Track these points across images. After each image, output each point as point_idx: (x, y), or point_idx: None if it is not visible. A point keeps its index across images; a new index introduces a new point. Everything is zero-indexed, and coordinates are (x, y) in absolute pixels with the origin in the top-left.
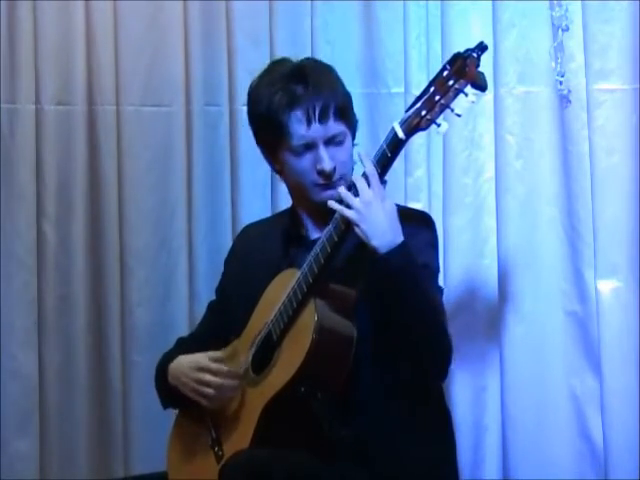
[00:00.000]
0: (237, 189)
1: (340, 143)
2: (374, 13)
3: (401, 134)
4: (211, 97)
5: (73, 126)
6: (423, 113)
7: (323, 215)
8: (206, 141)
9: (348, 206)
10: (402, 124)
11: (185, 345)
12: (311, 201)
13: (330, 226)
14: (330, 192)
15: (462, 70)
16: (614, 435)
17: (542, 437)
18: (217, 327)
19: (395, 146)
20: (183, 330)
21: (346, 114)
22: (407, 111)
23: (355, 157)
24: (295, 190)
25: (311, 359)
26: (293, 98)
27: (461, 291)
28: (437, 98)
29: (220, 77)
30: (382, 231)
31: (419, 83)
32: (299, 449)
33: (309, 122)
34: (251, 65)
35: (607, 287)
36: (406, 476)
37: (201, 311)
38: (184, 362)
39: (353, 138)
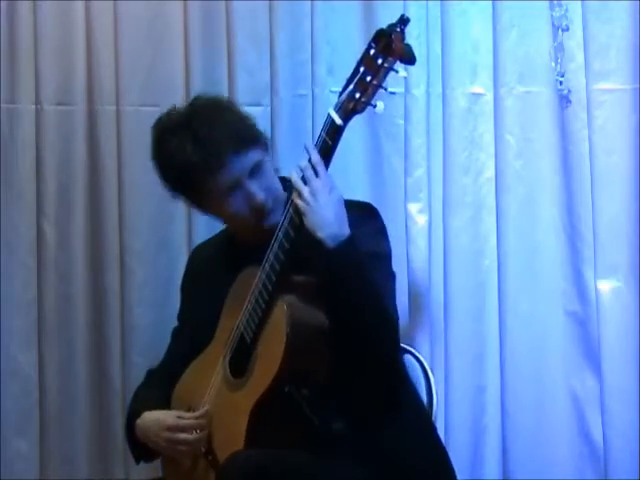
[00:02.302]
0: None
1: (260, 168)
2: (374, 13)
3: (338, 120)
4: None
5: (73, 126)
6: (357, 96)
7: (262, 235)
8: None
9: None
10: (337, 110)
11: (155, 378)
12: (253, 227)
13: (285, 222)
14: (271, 217)
15: (389, 47)
16: (614, 435)
17: (542, 437)
18: (184, 353)
19: (334, 133)
20: None
21: (254, 138)
22: (340, 95)
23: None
24: (232, 224)
25: (290, 355)
26: (202, 151)
27: (461, 291)
28: (369, 79)
29: (220, 77)
30: (328, 222)
31: (419, 83)
32: (295, 448)
33: (225, 166)
34: (251, 65)
35: (607, 287)
36: (401, 469)
37: None
38: (149, 423)
39: (267, 151)
